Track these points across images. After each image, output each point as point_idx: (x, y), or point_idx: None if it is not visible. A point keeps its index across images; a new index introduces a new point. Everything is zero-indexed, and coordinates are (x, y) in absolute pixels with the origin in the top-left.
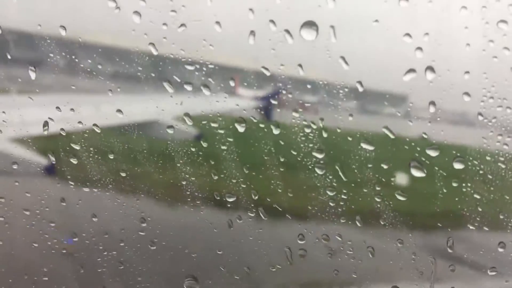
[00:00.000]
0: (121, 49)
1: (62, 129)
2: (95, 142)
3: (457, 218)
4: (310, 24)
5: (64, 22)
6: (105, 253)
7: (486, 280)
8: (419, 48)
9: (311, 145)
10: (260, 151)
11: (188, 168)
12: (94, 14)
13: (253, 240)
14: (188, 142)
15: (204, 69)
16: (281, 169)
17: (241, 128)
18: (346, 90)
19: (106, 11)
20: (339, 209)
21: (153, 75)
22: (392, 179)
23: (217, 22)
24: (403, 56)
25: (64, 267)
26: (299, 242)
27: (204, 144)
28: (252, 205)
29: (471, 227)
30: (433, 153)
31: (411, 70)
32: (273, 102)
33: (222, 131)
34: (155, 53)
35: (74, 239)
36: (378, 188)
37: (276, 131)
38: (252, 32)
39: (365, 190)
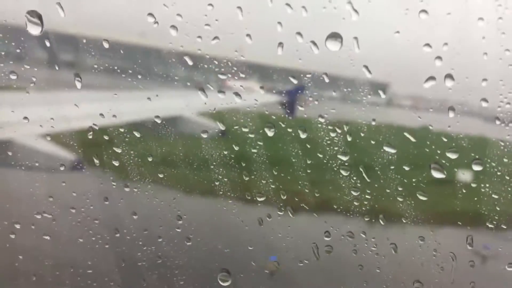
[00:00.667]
0: (159, 59)
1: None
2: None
3: (476, 217)
4: (335, 36)
5: (107, 35)
6: (145, 248)
7: (505, 275)
8: (439, 57)
9: (336, 148)
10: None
11: (221, 169)
12: (134, 28)
13: (282, 237)
14: (221, 144)
15: (236, 78)
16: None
17: (270, 133)
18: (369, 97)
19: (146, 26)
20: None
21: (188, 84)
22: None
23: (248, 35)
24: (423, 64)
25: (106, 261)
26: (325, 239)
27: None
28: (281, 204)
29: (489, 225)
30: (452, 156)
31: (431, 78)
32: (296, 98)
33: (252, 135)
34: (190, 63)
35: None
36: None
37: (303, 135)
38: (281, 44)
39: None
